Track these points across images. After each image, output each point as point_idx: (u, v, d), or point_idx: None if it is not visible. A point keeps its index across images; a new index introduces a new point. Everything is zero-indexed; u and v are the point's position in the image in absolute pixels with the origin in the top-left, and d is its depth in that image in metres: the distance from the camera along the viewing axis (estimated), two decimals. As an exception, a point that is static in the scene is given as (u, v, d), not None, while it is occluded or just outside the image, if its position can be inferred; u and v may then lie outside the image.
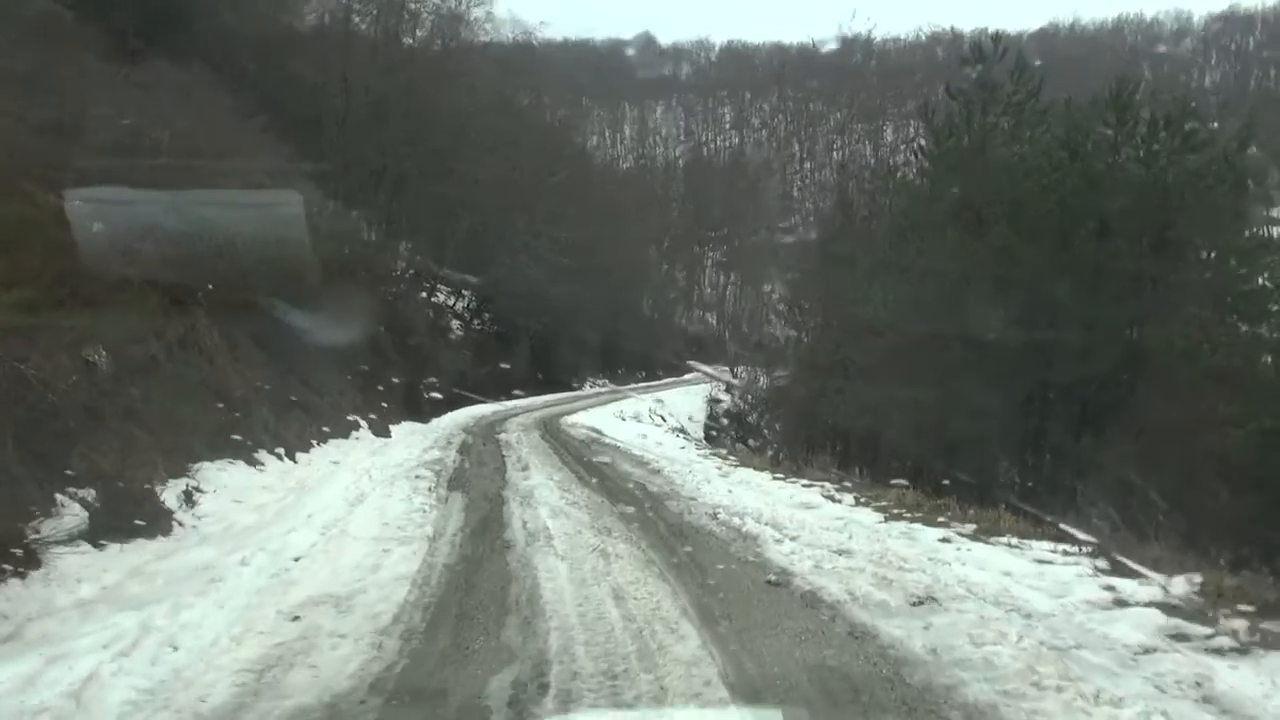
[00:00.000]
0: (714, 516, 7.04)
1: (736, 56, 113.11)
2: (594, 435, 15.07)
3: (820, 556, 5.42)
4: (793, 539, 6.07)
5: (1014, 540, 5.83)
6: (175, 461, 8.75)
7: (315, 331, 16.99)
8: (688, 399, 32.59)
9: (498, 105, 33.13)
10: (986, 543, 5.81)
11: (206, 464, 9.38)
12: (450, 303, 34.11)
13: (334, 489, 8.71)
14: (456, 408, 23.95)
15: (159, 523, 7.13)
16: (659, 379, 44.96)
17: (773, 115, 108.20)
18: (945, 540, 5.88)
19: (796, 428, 27.39)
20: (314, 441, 13.49)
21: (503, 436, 15.82)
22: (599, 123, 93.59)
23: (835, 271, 24.86)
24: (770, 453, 26.72)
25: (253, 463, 10.42)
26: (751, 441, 31.37)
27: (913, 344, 18.40)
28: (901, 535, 6.05)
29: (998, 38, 17.31)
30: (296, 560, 5.80)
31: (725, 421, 33.41)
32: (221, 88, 18.74)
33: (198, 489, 8.42)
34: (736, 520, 6.68)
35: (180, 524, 7.45)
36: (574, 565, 5.49)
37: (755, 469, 10.24)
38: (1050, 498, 17.50)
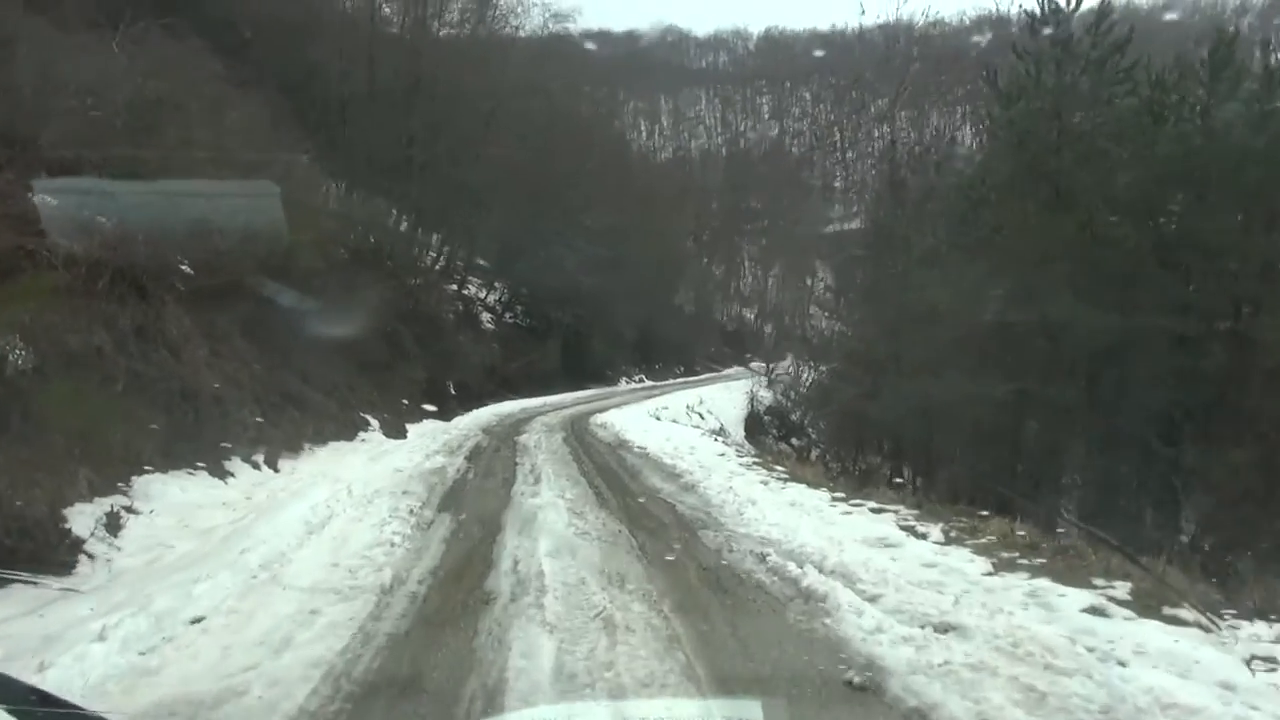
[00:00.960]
0: (762, 559, 5.34)
1: (775, 45, 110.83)
2: (622, 438, 13.44)
3: (920, 638, 3.71)
4: (873, 600, 4.36)
5: (1201, 615, 3.96)
6: (111, 475, 7.32)
7: (321, 321, 15.62)
8: (728, 395, 30.86)
9: (529, 92, 31.70)
10: (1160, 618, 3.97)
11: (156, 476, 7.95)
12: (481, 295, 32.86)
13: (298, 509, 7.17)
14: (485, 404, 22.68)
15: (54, 559, 5.65)
16: (697, 374, 43.37)
17: (813, 104, 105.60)
18: (1096, 612, 4.08)
19: (843, 428, 25.55)
20: (307, 445, 12.06)
21: (522, 438, 14.29)
22: (635, 114, 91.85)
23: (886, 257, 22.97)
24: (816, 454, 24.93)
25: (219, 473, 8.98)
26: (795, 440, 29.54)
27: (978, 334, 16.50)
28: (1029, 600, 4.29)
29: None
30: (193, 623, 4.26)
31: (767, 419, 31.63)
32: (235, 70, 17.39)
33: (129, 509, 6.96)
34: (793, 566, 4.98)
35: (90, 557, 5.97)
36: (565, 644, 3.85)
37: (809, 485, 8.50)
38: (1136, 514, 15.51)
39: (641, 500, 7.94)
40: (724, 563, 5.46)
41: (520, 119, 29.68)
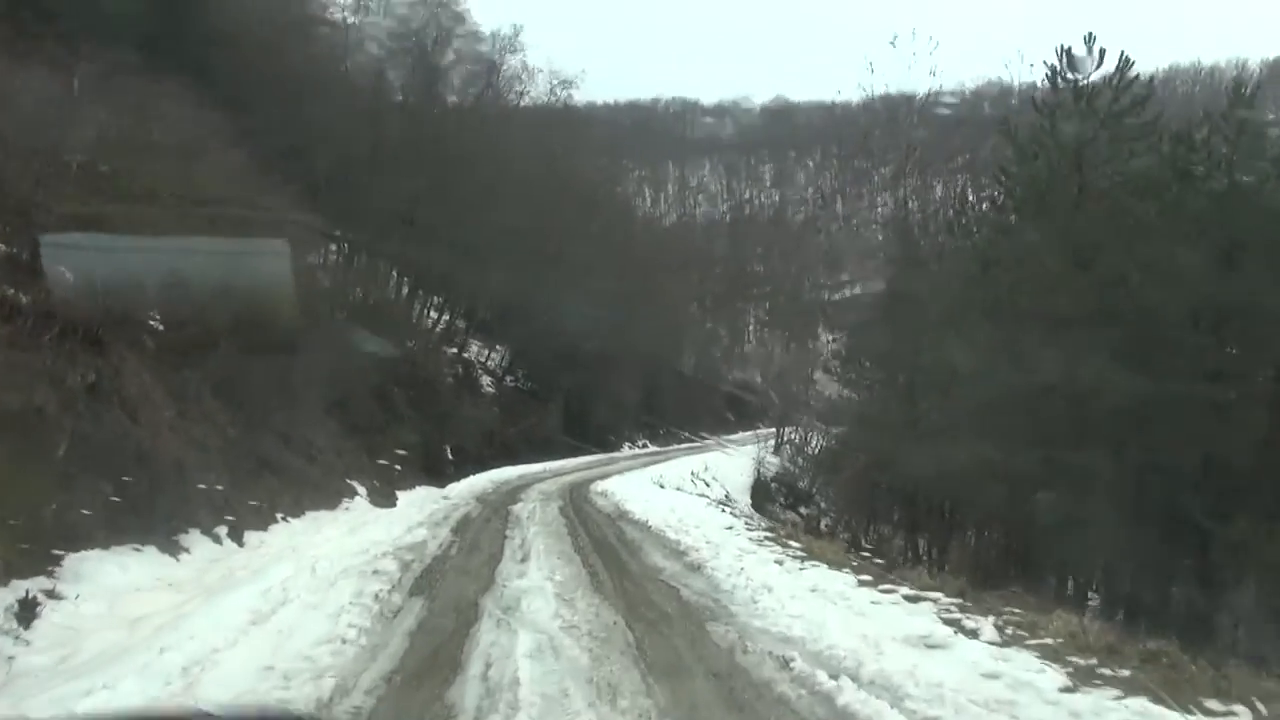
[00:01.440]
0: (785, 664, 4.41)
1: (779, 114, 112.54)
2: (622, 508, 12.53)
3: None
4: (929, 726, 3.46)
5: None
6: (36, 553, 6.43)
7: (304, 383, 14.87)
8: (733, 461, 29.87)
9: (533, 156, 31.61)
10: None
11: (94, 554, 7.04)
12: (482, 358, 32.20)
13: (247, 593, 6.27)
14: (484, 469, 21.78)
15: (-59, 658, 4.75)
16: (702, 439, 42.39)
17: (817, 172, 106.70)
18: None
19: (855, 496, 24.55)
20: (281, 516, 11.13)
21: (516, 508, 13.39)
22: (640, 181, 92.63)
23: (900, 320, 22.28)
24: (826, 523, 23.84)
25: (172, 549, 8.07)
26: (803, 509, 28.43)
27: (998, 398, 15.63)
28: (1131, 729, 3.39)
29: (1092, 38, 14.81)
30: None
31: (774, 486, 30.58)
32: (234, 126, 16.98)
33: (52, 594, 6.06)
34: (823, 677, 4.06)
35: (-9, 655, 5.06)
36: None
37: (830, 565, 7.54)
38: (1165, 589, 14.53)
39: (641, 583, 7.01)
40: (737, 665, 4.54)
41: (523, 183, 29.47)
